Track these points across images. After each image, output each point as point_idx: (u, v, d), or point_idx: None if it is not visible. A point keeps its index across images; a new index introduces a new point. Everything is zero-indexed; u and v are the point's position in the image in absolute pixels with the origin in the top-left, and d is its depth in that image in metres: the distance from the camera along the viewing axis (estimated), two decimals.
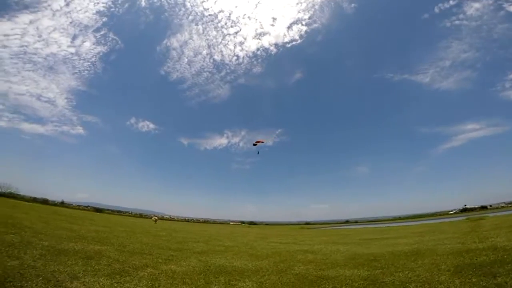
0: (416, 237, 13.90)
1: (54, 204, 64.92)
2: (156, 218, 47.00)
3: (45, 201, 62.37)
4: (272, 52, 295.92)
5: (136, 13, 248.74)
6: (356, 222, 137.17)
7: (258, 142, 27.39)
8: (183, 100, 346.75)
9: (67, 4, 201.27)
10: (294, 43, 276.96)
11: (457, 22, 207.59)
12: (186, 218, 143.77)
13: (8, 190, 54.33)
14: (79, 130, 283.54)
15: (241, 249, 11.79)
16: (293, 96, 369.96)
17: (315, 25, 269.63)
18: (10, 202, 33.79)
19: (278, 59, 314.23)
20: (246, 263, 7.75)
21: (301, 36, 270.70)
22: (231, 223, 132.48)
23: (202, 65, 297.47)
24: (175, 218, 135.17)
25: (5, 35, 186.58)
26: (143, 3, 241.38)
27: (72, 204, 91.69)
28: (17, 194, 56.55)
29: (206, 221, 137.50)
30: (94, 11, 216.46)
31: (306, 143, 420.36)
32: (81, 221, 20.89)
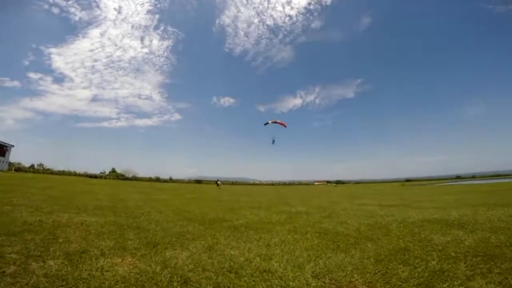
0: None
1: (164, 180, 79.70)
2: (220, 182, 44.07)
3: (157, 179, 77.58)
4: (327, 3, 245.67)
5: (180, 2, 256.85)
6: (473, 177, 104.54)
7: (274, 122, 19.88)
8: (251, 70, 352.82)
9: (119, 12, 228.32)
10: None
11: None
12: (273, 182, 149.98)
13: (131, 175, 70.25)
14: (177, 116, 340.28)
15: (313, 217, 7.34)
16: (368, 43, 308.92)
17: None
18: (119, 183, 41.71)
19: (336, 9, 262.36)
20: (303, 262, 3.29)
21: None
22: (315, 183, 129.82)
23: (258, 34, 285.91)
24: (264, 182, 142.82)
25: (90, 50, 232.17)
26: None
27: (184, 180, 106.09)
28: (138, 176, 72.66)
29: (291, 183, 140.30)
30: (144, 12, 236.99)
31: (394, 89, 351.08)
32: (154, 191, 21.87)
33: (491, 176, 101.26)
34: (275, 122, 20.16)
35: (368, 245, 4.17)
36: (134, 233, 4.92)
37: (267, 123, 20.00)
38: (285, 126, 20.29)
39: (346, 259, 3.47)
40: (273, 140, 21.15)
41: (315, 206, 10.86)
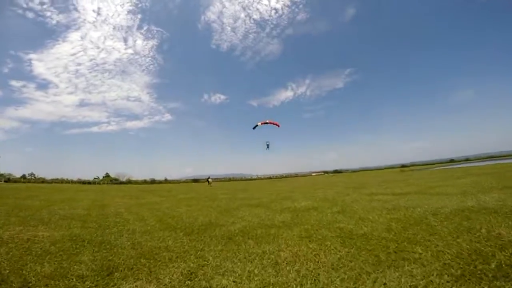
0: None
1: (159, 182, 77.59)
2: (211, 180, 42.12)
3: (152, 181, 75.44)
4: None
5: (162, 0, 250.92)
6: (467, 160, 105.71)
7: (265, 123, 16.84)
8: (240, 65, 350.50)
9: (99, 14, 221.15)
10: None
11: None
12: (271, 176, 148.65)
13: (125, 178, 67.91)
14: (168, 116, 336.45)
15: (324, 214, 6.10)
16: (354, 33, 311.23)
17: None
18: (108, 188, 39.91)
19: (321, 0, 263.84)
20: None
21: None
22: (313, 174, 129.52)
23: (245, 28, 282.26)
24: (262, 176, 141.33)
25: (72, 54, 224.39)
26: None
27: (181, 180, 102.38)
28: (132, 180, 70.39)
29: (288, 176, 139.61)
30: (125, 12, 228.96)
31: (384, 77, 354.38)
32: (145, 194, 20.48)
33: (485, 158, 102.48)
34: (266, 123, 17.06)
35: (419, 251, 2.94)
36: (91, 252, 3.60)
37: (256, 126, 17.00)
38: (279, 126, 17.78)
39: (404, 280, 2.22)
40: (268, 145, 18.78)
41: (321, 199, 9.67)
